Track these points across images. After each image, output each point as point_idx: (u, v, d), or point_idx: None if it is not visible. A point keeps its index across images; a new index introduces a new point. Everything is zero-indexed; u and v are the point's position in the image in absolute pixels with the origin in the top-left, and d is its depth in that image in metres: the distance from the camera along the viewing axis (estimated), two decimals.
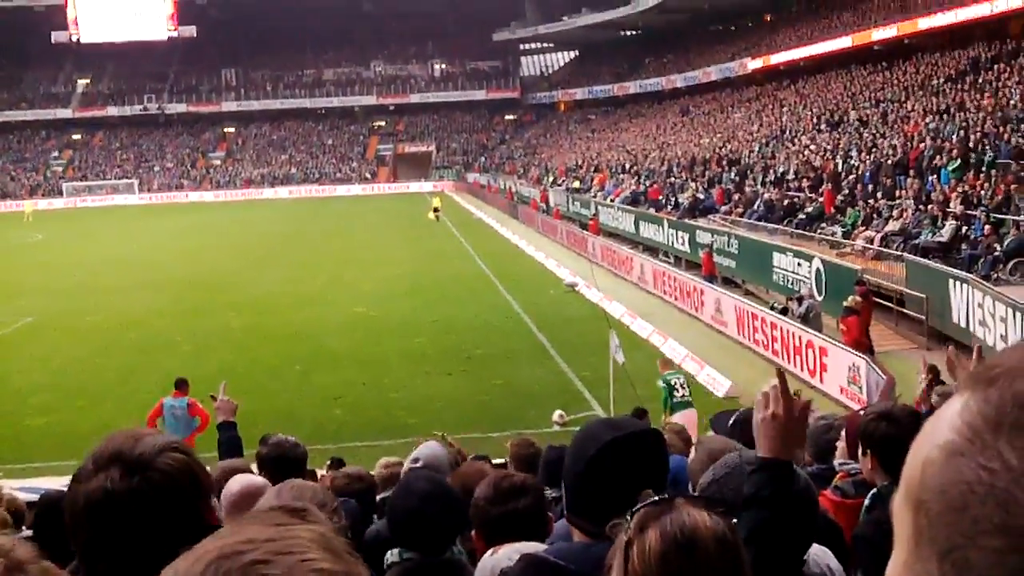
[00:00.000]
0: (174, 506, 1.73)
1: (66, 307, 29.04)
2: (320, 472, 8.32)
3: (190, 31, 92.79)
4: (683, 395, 14.99)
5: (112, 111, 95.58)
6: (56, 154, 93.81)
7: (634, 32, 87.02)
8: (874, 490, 3.26)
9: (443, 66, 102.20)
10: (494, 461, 7.97)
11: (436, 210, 55.16)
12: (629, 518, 1.61)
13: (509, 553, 2.81)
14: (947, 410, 0.80)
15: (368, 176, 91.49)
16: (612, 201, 45.45)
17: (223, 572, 0.90)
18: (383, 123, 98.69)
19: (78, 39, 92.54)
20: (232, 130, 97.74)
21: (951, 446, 0.77)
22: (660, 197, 42.18)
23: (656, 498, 1.65)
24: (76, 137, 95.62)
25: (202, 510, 1.83)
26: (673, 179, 44.53)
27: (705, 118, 58.32)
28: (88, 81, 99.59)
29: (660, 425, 14.54)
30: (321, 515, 1.03)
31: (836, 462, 4.02)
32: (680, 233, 33.13)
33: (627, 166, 53.07)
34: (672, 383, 15.07)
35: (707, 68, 66.99)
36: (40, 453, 15.25)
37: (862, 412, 3.93)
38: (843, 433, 4.01)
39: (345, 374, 20.17)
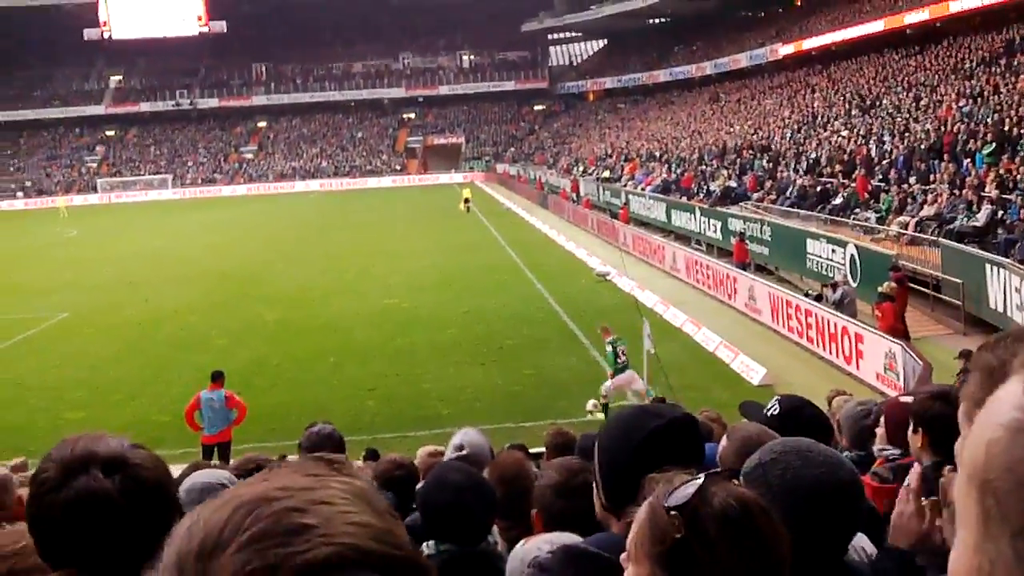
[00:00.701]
0: (156, 498, 1.73)
1: (100, 303, 29.32)
2: (357, 463, 8.35)
3: (220, 26, 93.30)
4: (624, 361, 16.34)
5: (144, 107, 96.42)
6: (90, 151, 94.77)
7: (663, 20, 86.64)
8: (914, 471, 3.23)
9: (472, 57, 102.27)
10: (530, 451, 7.97)
11: (466, 201, 55.22)
12: (662, 493, 1.61)
13: (539, 544, 2.80)
14: (1007, 390, 0.79)
15: (398, 168, 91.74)
16: (643, 190, 45.29)
17: (254, 517, 0.82)
18: (412, 115, 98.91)
19: (110, 36, 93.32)
20: (263, 124, 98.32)
21: (1017, 424, 0.76)
22: (692, 185, 42.01)
23: (704, 474, 1.65)
24: (109, 133, 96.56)
25: (176, 499, 1.83)
26: (704, 167, 44.32)
27: (736, 105, 57.98)
28: (120, 77, 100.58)
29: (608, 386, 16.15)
30: (357, 470, 0.96)
31: (875, 448, 3.98)
32: (712, 221, 32.98)
33: (658, 154, 52.89)
34: (617, 350, 16.35)
35: (737, 55, 66.59)
36: None
37: (901, 398, 3.89)
38: (882, 419, 3.96)
39: (377, 366, 20.24)
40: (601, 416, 15.96)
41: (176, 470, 6.30)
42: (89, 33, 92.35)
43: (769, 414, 3.43)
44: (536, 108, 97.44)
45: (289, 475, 0.88)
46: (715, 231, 32.33)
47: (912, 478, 2.29)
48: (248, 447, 12.74)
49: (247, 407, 14.22)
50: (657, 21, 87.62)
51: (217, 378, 14.19)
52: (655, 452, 2.16)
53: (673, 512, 1.57)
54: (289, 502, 0.83)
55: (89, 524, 1.69)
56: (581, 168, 62.43)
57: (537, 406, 16.68)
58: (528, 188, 66.48)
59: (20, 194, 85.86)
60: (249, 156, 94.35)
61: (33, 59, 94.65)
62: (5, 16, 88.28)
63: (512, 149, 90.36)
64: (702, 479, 1.62)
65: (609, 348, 16.57)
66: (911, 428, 3.32)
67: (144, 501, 1.71)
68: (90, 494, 1.69)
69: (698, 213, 34.91)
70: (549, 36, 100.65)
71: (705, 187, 40.60)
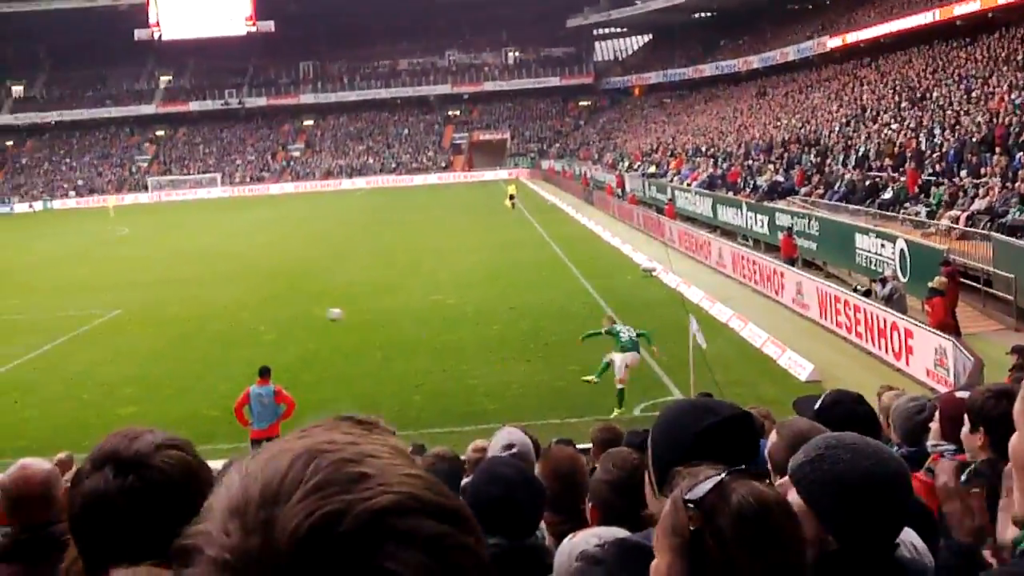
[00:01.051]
0: (170, 504, 1.67)
1: (152, 299, 29.68)
2: None
3: (268, 26, 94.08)
4: (629, 335, 16.69)
5: (194, 106, 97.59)
6: (140, 150, 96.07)
7: (708, 14, 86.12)
8: (971, 467, 3.19)
9: (517, 53, 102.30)
10: (578, 446, 7.96)
11: (511, 197, 55.24)
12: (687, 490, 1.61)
13: (587, 537, 2.81)
14: None
15: (444, 165, 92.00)
16: (689, 185, 45.07)
17: (314, 466, 0.83)
18: (458, 112, 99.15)
19: (160, 36, 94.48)
20: (310, 122, 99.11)
21: None
22: (738, 180, 41.71)
23: (727, 470, 1.65)
24: (159, 132, 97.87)
25: (201, 501, 1.82)
26: (751, 162, 43.98)
27: (783, 99, 57.47)
28: (170, 77, 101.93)
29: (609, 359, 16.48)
30: (390, 430, 0.97)
31: (928, 443, 3.93)
32: (759, 216, 32.74)
33: (704, 149, 52.56)
34: (617, 332, 16.78)
35: (783, 48, 66.01)
36: None
37: (958, 393, 3.84)
38: (936, 414, 3.91)
39: (423, 361, 20.32)
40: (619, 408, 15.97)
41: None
42: (140, 34, 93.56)
43: (814, 408, 3.42)
44: (581, 104, 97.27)
45: (327, 432, 0.89)
46: (762, 226, 32.09)
47: (947, 476, 2.26)
48: None
49: (295, 402, 14.34)
50: (702, 15, 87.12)
51: (265, 373, 14.33)
52: (706, 449, 2.16)
53: (690, 505, 1.58)
54: (342, 453, 0.85)
55: (90, 522, 1.72)
56: (626, 163, 62.20)
57: (582, 402, 16.67)
58: (573, 184, 66.43)
59: (72, 193, 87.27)
60: (296, 154, 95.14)
61: (85, 60, 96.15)
62: (58, 18, 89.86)
63: (557, 145, 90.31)
64: (723, 474, 1.62)
65: (607, 333, 17.04)
66: (968, 427, 3.26)
67: (152, 503, 1.69)
68: (94, 494, 1.72)
69: (745, 208, 34.67)
70: (594, 31, 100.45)
71: (752, 182, 40.26)
